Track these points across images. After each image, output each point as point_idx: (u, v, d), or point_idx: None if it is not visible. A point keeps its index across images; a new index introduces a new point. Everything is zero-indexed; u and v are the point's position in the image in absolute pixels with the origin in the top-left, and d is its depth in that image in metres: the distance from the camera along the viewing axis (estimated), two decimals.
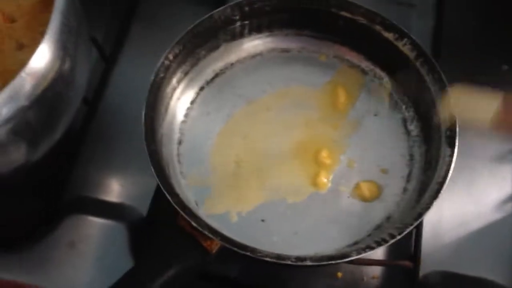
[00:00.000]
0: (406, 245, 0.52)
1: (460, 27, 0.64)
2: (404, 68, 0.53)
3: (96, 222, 0.53)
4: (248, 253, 0.43)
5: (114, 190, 0.55)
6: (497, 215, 0.54)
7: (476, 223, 0.54)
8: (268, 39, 0.58)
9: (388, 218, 0.50)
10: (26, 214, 0.54)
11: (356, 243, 0.49)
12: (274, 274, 0.52)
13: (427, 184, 0.48)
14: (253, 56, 0.58)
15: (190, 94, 0.55)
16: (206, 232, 0.43)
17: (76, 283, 0.51)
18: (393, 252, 0.53)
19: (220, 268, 0.51)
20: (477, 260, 0.53)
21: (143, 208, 0.53)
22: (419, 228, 0.52)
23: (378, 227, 0.49)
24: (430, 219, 0.54)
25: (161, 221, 0.51)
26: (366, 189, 0.50)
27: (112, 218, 0.53)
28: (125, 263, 0.50)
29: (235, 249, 0.43)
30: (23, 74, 0.40)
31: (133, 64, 0.61)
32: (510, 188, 0.56)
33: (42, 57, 0.41)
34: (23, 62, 0.40)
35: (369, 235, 0.49)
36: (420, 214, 0.44)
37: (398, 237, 0.44)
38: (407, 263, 0.50)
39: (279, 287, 0.52)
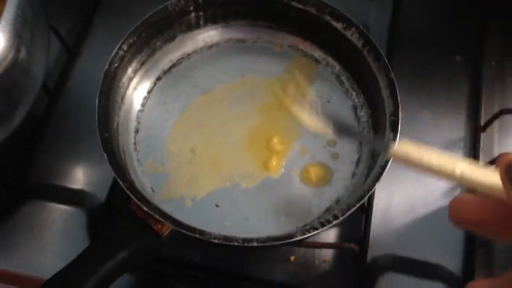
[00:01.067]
0: (356, 230, 0.54)
1: (416, 21, 0.67)
2: (353, 57, 0.55)
3: (56, 208, 0.55)
4: (197, 235, 0.44)
5: (75, 177, 0.57)
6: (445, 201, 0.56)
7: (425, 209, 0.56)
8: (224, 30, 0.59)
9: (337, 202, 0.51)
10: None
11: (305, 225, 0.50)
12: (231, 259, 0.54)
13: (372, 168, 0.50)
14: (210, 47, 0.59)
15: (147, 84, 0.57)
16: (157, 216, 0.45)
17: (36, 266, 0.53)
18: (343, 236, 0.55)
19: (182, 253, 0.53)
20: (425, 245, 0.54)
21: (102, 195, 0.55)
22: (368, 212, 0.53)
23: (327, 210, 0.51)
24: (380, 204, 0.56)
25: (118, 207, 0.53)
26: (313, 173, 0.52)
27: (72, 204, 0.55)
28: (83, 247, 0.51)
29: (184, 231, 0.45)
30: None
31: (96, 55, 0.63)
32: None
33: None
34: None
35: (318, 218, 0.51)
36: (362, 196, 0.46)
37: (341, 218, 0.45)
38: (353, 246, 0.51)
39: (235, 271, 0.54)
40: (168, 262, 0.52)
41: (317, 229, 0.45)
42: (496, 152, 0.58)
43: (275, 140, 0.53)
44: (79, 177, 0.57)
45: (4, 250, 0.53)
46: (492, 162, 0.57)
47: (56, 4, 0.52)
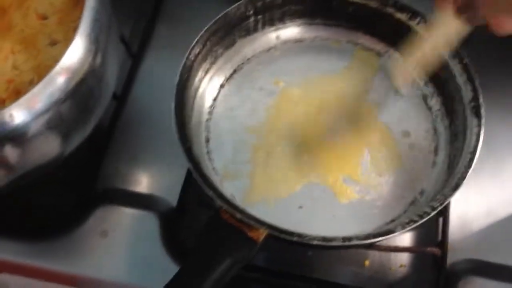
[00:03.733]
0: (432, 234, 0.53)
1: None
2: None
3: (127, 212, 0.55)
4: (295, 239, 0.44)
5: (144, 182, 0.57)
6: None
7: (503, 211, 0.55)
8: (282, 31, 0.59)
9: (421, 193, 0.51)
10: (60, 205, 0.56)
11: (393, 220, 0.50)
12: (300, 262, 0.53)
13: (456, 156, 0.49)
14: (268, 49, 0.59)
15: (212, 91, 0.56)
16: (252, 222, 0.44)
17: (108, 270, 0.52)
18: (420, 240, 0.54)
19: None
20: (504, 248, 0.53)
21: (172, 198, 0.55)
22: (445, 215, 0.53)
23: (413, 203, 0.50)
24: (456, 207, 0.54)
25: (192, 212, 0.53)
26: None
27: (143, 208, 0.55)
28: (155, 251, 0.53)
29: (283, 235, 0.44)
30: (57, 68, 0.40)
31: (159, 61, 0.63)
32: None
33: (75, 52, 0.42)
34: (57, 58, 0.41)
35: (405, 212, 0.50)
36: (458, 184, 0.45)
37: (440, 207, 0.45)
38: (435, 250, 0.50)
39: (307, 275, 0.53)
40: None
41: (416, 221, 0.44)
42: None
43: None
44: (148, 182, 0.57)
45: (77, 255, 0.53)
46: None
47: (118, 10, 0.51)
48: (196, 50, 0.53)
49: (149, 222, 0.54)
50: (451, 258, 0.52)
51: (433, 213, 0.45)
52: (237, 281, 0.50)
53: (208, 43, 0.53)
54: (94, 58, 0.44)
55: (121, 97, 0.60)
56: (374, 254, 0.53)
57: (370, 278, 0.52)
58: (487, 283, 0.51)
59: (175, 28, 0.64)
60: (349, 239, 0.44)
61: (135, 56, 0.62)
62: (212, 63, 0.56)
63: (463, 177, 0.46)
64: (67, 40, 0.42)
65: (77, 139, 0.48)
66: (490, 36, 0.41)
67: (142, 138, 0.58)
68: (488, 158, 0.57)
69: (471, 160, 0.46)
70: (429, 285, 0.51)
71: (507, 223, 0.54)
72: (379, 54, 0.58)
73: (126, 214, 0.54)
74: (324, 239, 0.44)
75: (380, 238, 0.44)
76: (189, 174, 0.55)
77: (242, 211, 0.45)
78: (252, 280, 0.53)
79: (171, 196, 0.55)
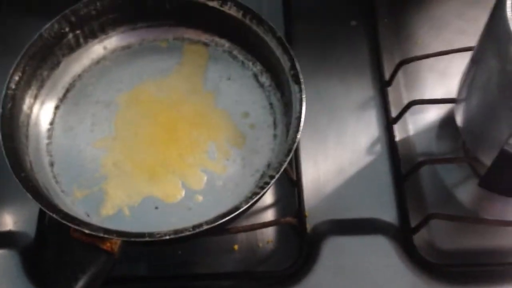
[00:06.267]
0: (292, 205, 0.56)
1: None
2: (238, 30, 0.56)
3: None
4: (147, 238, 0.44)
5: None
6: (369, 157, 0.59)
7: (352, 169, 0.58)
8: (107, 41, 0.58)
9: (268, 166, 0.53)
10: None
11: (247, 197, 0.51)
12: (180, 263, 0.54)
13: (289, 124, 0.52)
14: (97, 62, 0.58)
15: (47, 115, 0.55)
16: (101, 234, 0.44)
17: None
18: (281, 213, 0.56)
19: (129, 269, 0.53)
20: (360, 203, 0.56)
21: (30, 231, 0.54)
22: (298, 183, 0.55)
23: (262, 177, 0.52)
24: (309, 174, 0.57)
25: (52, 239, 0.52)
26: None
27: (3, 247, 0.53)
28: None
29: (133, 239, 0.44)
30: None
31: None
32: (376, 130, 0.60)
33: None
34: None
35: (256, 186, 0.52)
36: (290, 150, 0.48)
37: (277, 175, 0.47)
38: (290, 219, 0.53)
39: (183, 274, 0.54)
40: (118, 281, 0.52)
41: (258, 193, 0.46)
42: (404, 102, 0.61)
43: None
44: (3, 220, 0.55)
45: None
46: (402, 112, 0.60)
47: None
48: (16, 77, 0.51)
49: (12, 260, 0.53)
50: (311, 223, 0.55)
51: (272, 182, 0.46)
52: None
53: (27, 68, 0.52)
54: None
55: None
56: (241, 237, 0.55)
57: (241, 260, 0.54)
58: (348, 239, 0.54)
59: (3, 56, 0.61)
60: (199, 225, 0.45)
61: None
62: (40, 87, 0.55)
63: (293, 142, 0.48)
64: None
65: None
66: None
67: None
68: (331, 121, 0.61)
69: (298, 124, 0.49)
70: (295, 253, 0.53)
71: (357, 179, 0.58)
72: (206, 44, 0.59)
73: None
74: (176, 231, 0.45)
75: (228, 217, 0.45)
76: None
77: (89, 226, 0.44)
78: None
79: (29, 228, 0.54)
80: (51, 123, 0.55)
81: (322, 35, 0.66)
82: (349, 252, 0.54)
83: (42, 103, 0.55)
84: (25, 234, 0.54)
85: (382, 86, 0.62)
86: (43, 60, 0.54)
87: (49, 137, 0.54)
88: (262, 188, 0.46)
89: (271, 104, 0.56)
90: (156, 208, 0.51)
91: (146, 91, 0.57)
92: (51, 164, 0.53)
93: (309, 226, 0.54)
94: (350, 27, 0.67)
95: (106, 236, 0.44)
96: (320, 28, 0.67)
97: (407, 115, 0.60)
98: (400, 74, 0.62)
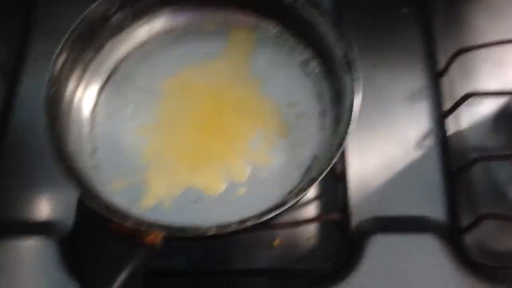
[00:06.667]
0: (336, 200, 0.54)
1: None
2: (288, 14, 0.54)
3: (24, 243, 0.53)
4: (190, 234, 0.43)
5: (37, 209, 0.55)
6: (419, 152, 0.56)
7: (401, 163, 0.56)
8: (152, 24, 0.57)
9: (314, 159, 0.51)
10: None
11: (291, 192, 0.49)
12: (217, 258, 0.53)
13: (340, 115, 0.50)
14: (142, 45, 0.57)
15: (90, 99, 0.54)
16: (144, 228, 0.43)
17: None
18: (325, 208, 0.54)
19: (168, 263, 0.52)
20: (407, 200, 0.54)
21: (68, 221, 0.53)
22: (344, 178, 0.53)
23: (309, 170, 0.50)
24: (355, 168, 0.55)
25: (90, 230, 0.50)
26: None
27: (40, 235, 0.53)
28: (60, 278, 0.51)
29: (177, 233, 0.43)
30: None
31: (37, 79, 0.59)
32: (427, 123, 0.57)
33: None
34: None
35: (301, 181, 0.50)
36: (340, 144, 0.45)
37: (326, 171, 0.44)
38: (334, 215, 0.51)
39: (223, 268, 0.53)
40: (164, 275, 0.51)
41: (305, 189, 0.44)
42: (459, 94, 0.58)
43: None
44: (42, 208, 0.55)
45: None
46: (457, 104, 0.57)
47: None
48: (61, 60, 0.50)
49: (48, 249, 0.52)
50: (356, 220, 0.53)
51: (320, 178, 0.44)
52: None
53: (74, 49, 0.51)
54: None
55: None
56: (281, 233, 0.53)
57: (280, 257, 0.52)
58: (395, 237, 0.52)
59: (51, 40, 0.61)
60: (245, 221, 0.43)
61: (10, 76, 0.59)
62: (84, 71, 0.54)
63: (344, 136, 0.46)
64: None
65: None
66: None
67: (29, 163, 0.56)
68: (380, 113, 0.58)
69: (350, 116, 0.46)
70: (337, 251, 0.52)
71: (405, 174, 0.55)
72: (254, 29, 0.57)
73: (23, 245, 0.52)
74: (219, 227, 0.43)
75: (274, 213, 0.43)
76: None
77: (131, 219, 0.43)
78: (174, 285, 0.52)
79: (67, 218, 0.54)
80: (94, 108, 0.54)
81: (371, 22, 0.63)
82: (394, 251, 0.52)
83: (86, 87, 0.54)
84: (63, 223, 0.54)
85: (435, 76, 0.59)
86: (87, 42, 0.53)
87: (91, 124, 0.53)
88: (309, 184, 0.44)
89: (319, 93, 0.54)
90: (196, 201, 0.50)
91: (191, 76, 0.56)
92: (92, 153, 0.52)
93: (353, 223, 0.53)
94: (401, 14, 0.64)
95: (148, 229, 0.43)
96: (369, 15, 0.63)
97: (460, 107, 0.57)
98: (456, 63, 0.59)
